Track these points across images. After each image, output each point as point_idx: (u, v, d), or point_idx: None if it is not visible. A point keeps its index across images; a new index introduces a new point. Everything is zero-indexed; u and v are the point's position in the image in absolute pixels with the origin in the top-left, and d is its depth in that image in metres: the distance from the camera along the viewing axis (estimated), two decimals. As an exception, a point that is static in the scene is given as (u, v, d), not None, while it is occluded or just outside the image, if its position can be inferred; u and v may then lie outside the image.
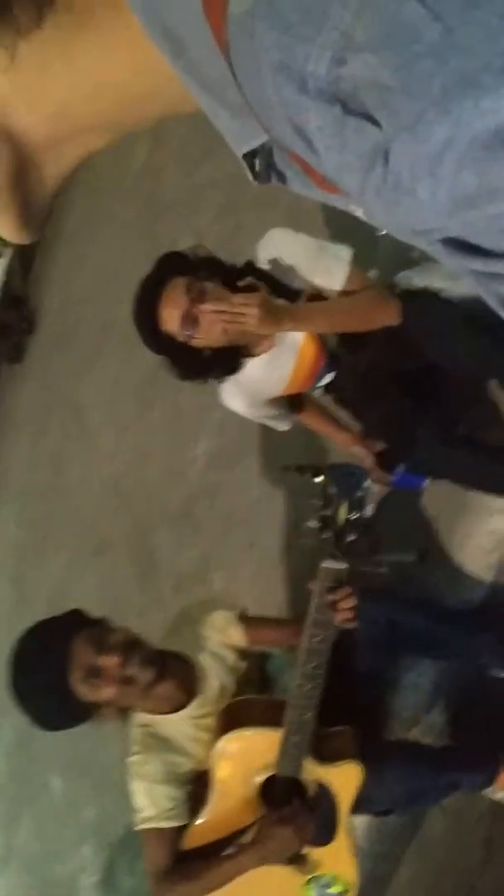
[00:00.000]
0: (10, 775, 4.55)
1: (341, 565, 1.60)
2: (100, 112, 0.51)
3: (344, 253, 1.92)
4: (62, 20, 0.46)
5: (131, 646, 1.75)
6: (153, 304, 1.80)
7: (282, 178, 0.53)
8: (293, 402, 2.19)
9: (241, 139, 0.50)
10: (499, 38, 0.34)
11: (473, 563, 2.15)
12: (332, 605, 1.61)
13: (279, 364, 2.02)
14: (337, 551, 1.60)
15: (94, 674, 1.69)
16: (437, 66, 0.35)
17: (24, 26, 0.46)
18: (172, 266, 1.85)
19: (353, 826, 1.86)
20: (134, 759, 1.81)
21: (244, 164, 0.52)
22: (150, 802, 1.77)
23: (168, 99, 0.51)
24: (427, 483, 2.21)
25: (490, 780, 1.94)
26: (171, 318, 1.79)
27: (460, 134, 0.35)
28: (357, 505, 1.58)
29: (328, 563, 1.60)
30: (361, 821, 2.14)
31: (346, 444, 2.23)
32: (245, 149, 0.51)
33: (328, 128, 0.39)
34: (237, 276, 1.88)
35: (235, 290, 1.84)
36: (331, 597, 1.60)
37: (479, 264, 0.41)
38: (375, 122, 0.37)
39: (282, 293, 1.93)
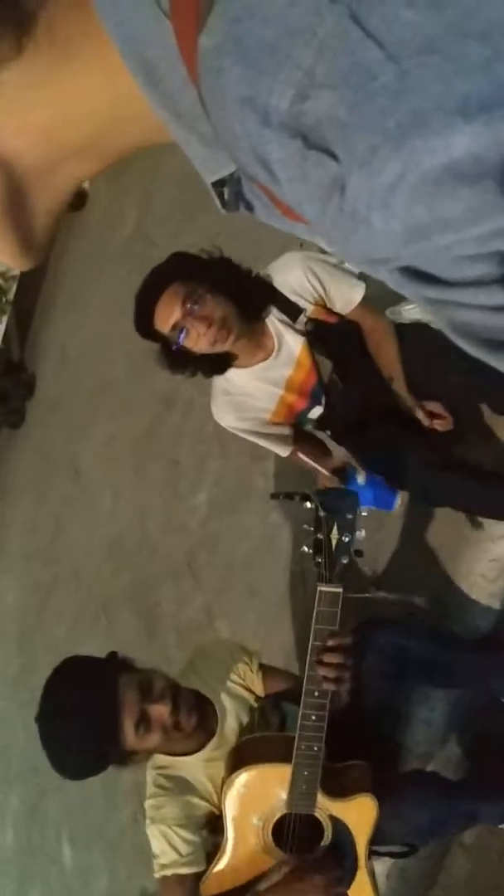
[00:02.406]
0: (19, 848, 4.41)
1: (336, 588, 1.60)
2: (85, 136, 0.53)
3: (355, 269, 1.99)
4: (43, 49, 0.48)
5: (177, 692, 1.72)
6: (151, 301, 1.84)
7: (249, 207, 0.55)
8: (297, 432, 2.20)
9: (211, 168, 0.53)
10: (450, 81, 0.36)
11: (478, 592, 2.13)
12: (318, 658, 1.60)
13: (272, 377, 2.05)
14: (331, 574, 1.60)
15: (145, 722, 1.65)
16: (391, 105, 0.37)
17: (4, 55, 0.47)
18: (178, 270, 1.87)
19: (371, 863, 1.81)
20: (151, 802, 1.77)
21: (213, 193, 0.54)
22: (169, 847, 1.72)
23: (149, 126, 0.52)
24: (397, 503, 2.22)
25: (510, 813, 1.89)
26: (163, 322, 1.84)
27: (411, 169, 0.37)
28: (348, 528, 1.60)
29: (324, 587, 1.60)
30: (382, 868, 2.08)
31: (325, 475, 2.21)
32: (214, 177, 0.53)
33: (290, 160, 0.41)
34: (246, 290, 1.91)
35: (243, 302, 1.89)
36: (325, 647, 1.59)
37: (431, 292, 0.43)
38: (334, 156, 0.39)
39: (289, 312, 1.98)
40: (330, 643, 1.60)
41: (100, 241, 5.00)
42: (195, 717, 1.73)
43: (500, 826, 1.93)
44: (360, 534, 1.61)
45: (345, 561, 1.60)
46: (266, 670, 1.95)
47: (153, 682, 1.70)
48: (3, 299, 6.74)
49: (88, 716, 1.62)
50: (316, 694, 1.63)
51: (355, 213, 0.40)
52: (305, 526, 1.63)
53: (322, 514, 1.60)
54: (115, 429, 4.73)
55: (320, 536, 1.60)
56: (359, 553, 1.61)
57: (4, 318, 6.55)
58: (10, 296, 6.66)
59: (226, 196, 0.54)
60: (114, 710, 1.62)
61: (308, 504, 1.62)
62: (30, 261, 0.60)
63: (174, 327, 1.83)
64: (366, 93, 0.37)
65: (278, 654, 2.73)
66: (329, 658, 1.59)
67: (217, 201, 0.55)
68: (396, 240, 0.40)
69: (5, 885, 4.43)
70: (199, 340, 1.85)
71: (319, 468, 2.12)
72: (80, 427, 5.23)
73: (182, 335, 1.84)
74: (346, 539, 1.60)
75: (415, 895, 2.22)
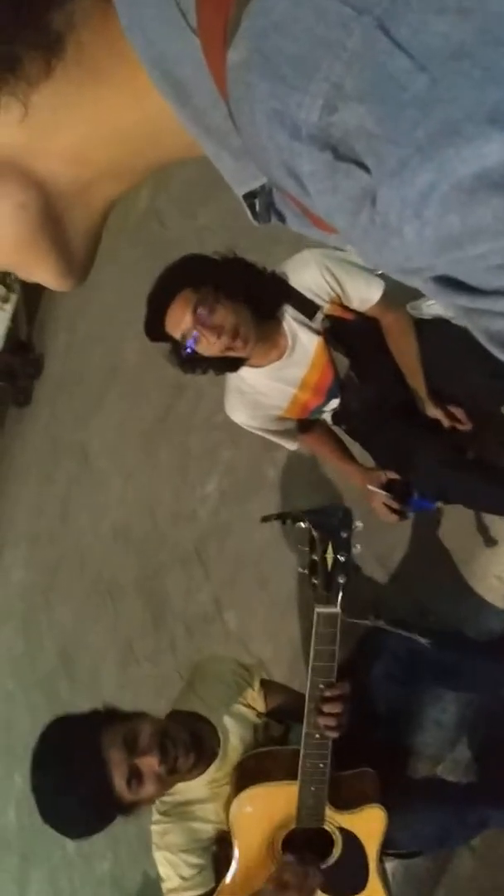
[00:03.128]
0: (22, 829, 4.45)
1: (334, 609, 1.57)
2: (116, 158, 0.53)
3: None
4: (71, 71, 0.48)
5: (164, 737, 1.68)
6: (162, 306, 1.81)
7: (281, 217, 0.55)
8: (301, 424, 2.18)
9: (242, 180, 0.53)
10: (481, 89, 0.35)
11: (493, 595, 2.11)
12: (317, 707, 1.59)
13: (286, 376, 2.02)
14: (328, 595, 1.57)
15: (136, 776, 1.62)
16: (421, 115, 0.36)
17: (34, 77, 0.47)
18: (190, 274, 1.83)
19: (383, 868, 1.80)
20: (156, 828, 1.77)
21: (244, 205, 0.54)
22: (174, 872, 1.73)
23: (179, 142, 0.52)
24: (438, 503, 2.19)
25: (520, 818, 1.88)
26: (173, 328, 1.82)
27: (443, 179, 0.36)
28: (343, 546, 1.56)
29: (321, 608, 1.58)
30: (387, 866, 2.08)
31: (351, 477, 2.21)
32: (245, 189, 0.53)
33: (319, 172, 0.41)
34: (260, 291, 1.88)
35: (256, 304, 1.86)
36: (323, 696, 1.58)
37: (466, 301, 0.43)
38: (364, 167, 0.39)
39: (305, 310, 1.94)
40: (328, 694, 1.58)
41: (112, 221, 4.89)
42: (192, 754, 1.70)
43: (509, 831, 1.93)
44: (356, 549, 1.58)
45: (342, 580, 1.56)
46: (267, 686, 1.93)
47: (138, 733, 1.66)
48: (12, 277, 6.69)
49: (79, 786, 1.60)
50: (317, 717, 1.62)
51: (387, 224, 0.39)
52: (300, 546, 1.60)
53: (316, 533, 1.56)
54: (124, 412, 4.70)
55: (315, 557, 1.57)
56: (357, 570, 1.58)
57: (13, 297, 6.51)
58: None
59: (257, 208, 0.54)
60: (102, 773, 1.59)
61: (301, 524, 1.59)
62: (73, 282, 0.60)
63: (185, 335, 1.80)
64: (395, 103, 0.37)
65: (286, 649, 2.72)
66: (329, 709, 1.58)
67: (249, 213, 0.55)
68: (430, 250, 0.40)
69: (8, 863, 4.48)
70: (210, 348, 1.82)
71: (376, 490, 2.09)
72: (89, 409, 5.20)
73: (192, 342, 1.81)
74: (342, 558, 1.56)
75: (420, 893, 2.22)
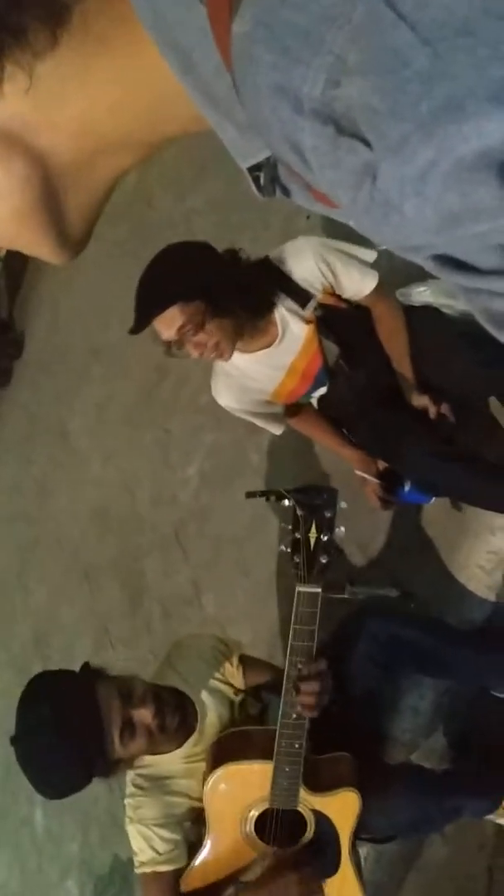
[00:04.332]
0: (-10, 809, 4.42)
1: (315, 588, 1.57)
2: (121, 129, 0.52)
3: (369, 256, 1.94)
4: (77, 41, 0.47)
5: (158, 693, 1.70)
6: (149, 315, 1.81)
7: (286, 191, 0.55)
8: (290, 408, 2.17)
9: (246, 153, 0.52)
10: (485, 66, 0.35)
11: (476, 584, 2.11)
12: (294, 685, 1.58)
13: (275, 362, 2.01)
14: (310, 574, 1.57)
15: (129, 728, 1.62)
16: (423, 91, 0.36)
17: (40, 48, 0.46)
18: (180, 289, 1.81)
19: (356, 854, 1.80)
20: (130, 801, 1.76)
21: (249, 178, 0.54)
22: (147, 846, 1.71)
23: (186, 115, 0.51)
24: (433, 500, 2.18)
25: (495, 806, 1.89)
26: (160, 331, 1.84)
27: (444, 156, 0.36)
28: (326, 526, 1.57)
29: (302, 587, 1.58)
30: (360, 850, 2.08)
31: (350, 461, 2.21)
32: (249, 162, 0.52)
33: (322, 146, 0.41)
34: (251, 290, 1.87)
35: (249, 308, 1.87)
36: (302, 668, 1.58)
37: (465, 280, 0.43)
38: (366, 143, 0.38)
39: (298, 299, 1.94)
40: (305, 672, 1.58)
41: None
42: (178, 715, 1.71)
43: (485, 818, 1.93)
44: (340, 531, 1.58)
45: (324, 560, 1.57)
46: (246, 662, 1.93)
47: (133, 686, 1.68)
48: (-5, 255, 6.59)
49: (72, 729, 1.57)
50: (294, 695, 1.61)
51: (387, 200, 0.39)
52: (283, 524, 1.59)
53: (300, 512, 1.56)
54: (106, 393, 4.65)
55: (298, 536, 1.56)
56: (339, 551, 1.58)
57: (-5, 275, 6.42)
58: (2, 252, 6.51)
59: (262, 181, 0.53)
60: (98, 719, 1.58)
61: (285, 502, 1.59)
62: (69, 256, 0.60)
63: (170, 344, 1.84)
64: (398, 78, 0.36)
65: (265, 633, 2.71)
66: (306, 687, 1.57)
67: (253, 186, 0.54)
68: (429, 228, 0.40)
69: (-26, 844, 4.44)
70: (190, 355, 1.87)
71: (369, 477, 2.09)
72: (70, 389, 5.14)
73: (175, 347, 1.85)
74: (325, 537, 1.56)
75: (392, 878, 2.23)
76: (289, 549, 1.57)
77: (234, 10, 0.42)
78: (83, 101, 0.50)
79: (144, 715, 1.64)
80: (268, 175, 0.53)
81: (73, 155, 0.52)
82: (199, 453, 3.53)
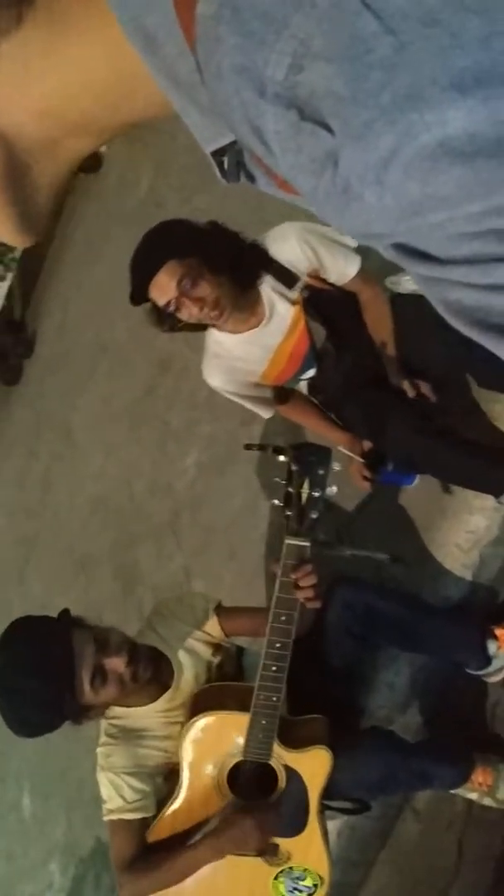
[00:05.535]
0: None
1: (304, 542, 1.63)
2: (85, 110, 0.52)
3: (353, 241, 2.00)
4: (42, 19, 0.47)
5: (133, 646, 1.75)
6: (147, 275, 1.86)
7: (250, 177, 0.54)
8: (278, 393, 2.22)
9: (209, 137, 0.51)
10: (447, 55, 0.35)
11: (452, 562, 2.16)
12: (294, 584, 1.62)
13: (263, 342, 2.06)
14: (299, 528, 1.62)
15: (101, 674, 1.66)
16: (386, 79, 0.36)
17: (3, 27, 0.46)
18: (174, 245, 1.87)
19: (324, 818, 1.83)
20: (102, 750, 1.80)
21: (213, 162, 0.53)
22: (116, 793, 1.75)
23: (152, 99, 0.51)
24: (417, 480, 2.23)
25: (463, 779, 1.91)
26: (157, 296, 1.87)
27: (406, 144, 0.36)
28: (319, 482, 1.61)
29: (291, 540, 1.63)
30: (332, 826, 2.10)
31: (337, 442, 2.26)
32: (213, 147, 0.52)
33: (284, 131, 0.40)
34: (241, 260, 1.93)
35: (236, 273, 1.91)
36: (293, 574, 1.61)
37: (424, 269, 0.43)
38: (329, 129, 0.38)
39: (284, 280, 1.99)
40: (297, 573, 1.61)
41: (112, 203, 5.00)
42: (151, 668, 1.75)
43: (452, 792, 1.96)
44: (332, 489, 1.63)
45: (314, 515, 1.61)
46: (226, 612, 1.96)
47: (109, 636, 1.72)
48: (9, 256, 6.72)
49: (44, 668, 1.62)
50: (278, 645, 1.64)
51: (348, 187, 0.39)
52: (277, 479, 1.65)
53: (294, 468, 1.61)
54: (111, 389, 4.73)
55: (291, 490, 1.62)
56: (329, 508, 1.63)
57: (9, 276, 6.54)
58: (17, 253, 6.64)
59: (225, 165, 0.53)
60: (70, 662, 1.62)
61: (281, 457, 1.64)
62: (30, 238, 0.59)
63: (167, 304, 1.87)
64: (361, 65, 0.36)
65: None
66: (304, 581, 1.61)
67: (217, 171, 0.54)
68: (390, 216, 0.40)
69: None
70: (190, 317, 1.90)
71: (354, 456, 2.14)
72: (77, 386, 5.23)
73: (173, 308, 1.88)
74: (317, 494, 1.61)
75: (364, 855, 2.25)
76: (281, 503, 1.62)
77: None
78: (47, 80, 0.49)
79: (117, 664, 1.68)
80: (232, 160, 0.52)
81: (36, 135, 0.52)
82: (195, 445, 3.59)
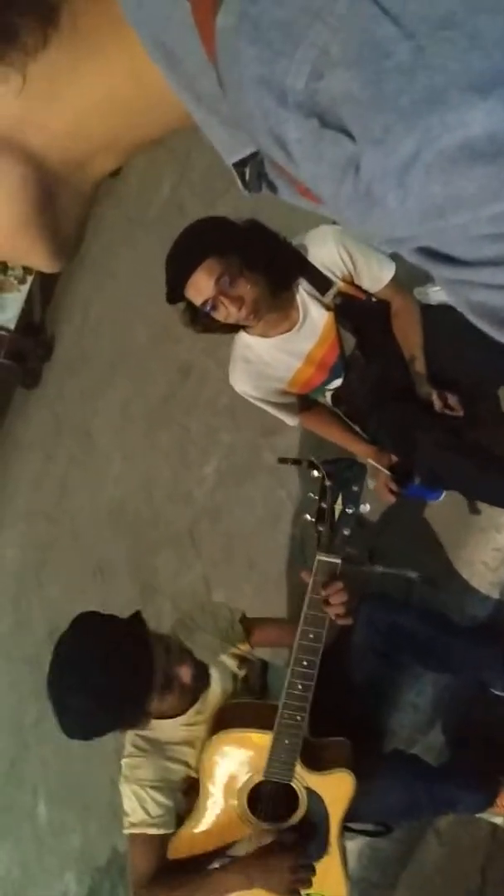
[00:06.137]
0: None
1: (335, 559, 1.59)
2: (112, 128, 0.52)
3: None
4: (66, 40, 0.47)
5: (190, 653, 1.74)
6: (185, 272, 1.82)
7: (272, 187, 0.54)
8: (302, 402, 2.19)
9: (231, 149, 0.52)
10: (467, 57, 0.35)
11: (479, 580, 2.11)
12: (325, 601, 1.59)
13: (293, 349, 2.03)
14: (331, 544, 1.59)
15: (168, 682, 1.65)
16: (406, 83, 0.36)
17: (31, 48, 0.46)
18: (214, 242, 1.84)
19: (343, 841, 1.79)
20: (128, 761, 1.77)
21: (234, 173, 0.53)
22: (140, 807, 1.72)
23: (172, 113, 0.52)
24: (443, 495, 2.19)
25: (488, 802, 1.87)
26: (194, 294, 1.84)
27: (426, 147, 0.36)
28: (352, 499, 1.58)
29: (322, 556, 1.59)
30: (353, 847, 2.07)
31: (362, 455, 2.23)
32: (235, 158, 0.52)
33: (305, 139, 0.41)
34: (278, 261, 1.90)
35: (274, 277, 1.89)
36: (324, 592, 1.58)
37: (447, 271, 0.43)
38: (349, 135, 0.39)
39: (318, 285, 1.96)
40: (327, 591, 1.58)
41: (133, 207, 4.99)
42: (203, 680, 1.76)
43: (477, 815, 1.92)
44: (365, 507, 1.60)
45: (346, 532, 1.58)
46: (251, 623, 1.94)
47: (171, 644, 1.71)
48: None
49: (124, 667, 1.59)
50: (305, 663, 1.61)
51: (370, 192, 0.39)
52: (311, 494, 1.61)
53: (328, 483, 1.58)
54: (130, 394, 4.72)
55: (324, 506, 1.59)
56: (361, 525, 1.59)
57: (29, 279, 6.54)
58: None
59: (247, 176, 0.53)
60: (150, 665, 1.60)
61: (315, 472, 1.61)
62: (61, 263, 0.58)
63: (205, 303, 1.83)
64: (380, 70, 0.36)
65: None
66: (335, 599, 1.58)
67: (239, 182, 0.54)
68: (413, 219, 0.40)
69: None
70: (227, 317, 1.87)
71: (381, 468, 2.11)
72: (96, 390, 5.22)
73: (211, 308, 1.84)
74: (350, 511, 1.58)
75: (384, 877, 2.21)
76: (313, 519, 1.59)
77: (218, 3, 0.42)
78: (75, 100, 0.49)
79: (185, 672, 1.67)
80: (254, 171, 0.52)
81: (64, 156, 0.52)
82: (215, 453, 3.56)
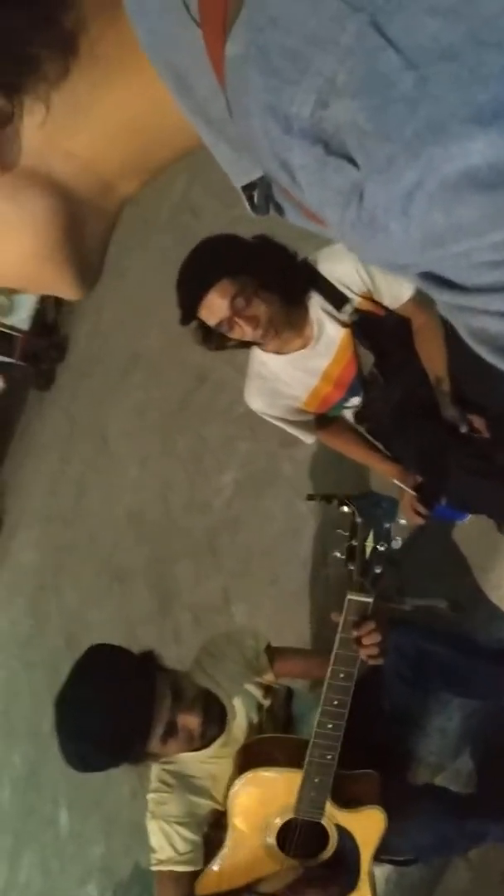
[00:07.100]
0: (17, 808, 4.45)
1: (367, 598, 1.55)
2: (132, 153, 0.53)
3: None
4: (85, 67, 0.47)
5: (205, 700, 1.71)
6: (198, 293, 1.79)
7: (279, 209, 0.55)
8: (318, 418, 2.15)
9: (240, 172, 0.53)
10: (467, 88, 0.36)
11: (507, 603, 2.07)
12: (357, 641, 1.55)
13: (309, 366, 1.99)
14: (363, 583, 1.55)
15: (172, 728, 1.64)
16: (409, 113, 0.37)
17: (53, 78, 0.46)
18: (227, 262, 1.80)
19: (374, 877, 1.77)
20: (154, 797, 1.75)
21: (243, 196, 0.54)
22: (167, 844, 1.70)
23: (187, 136, 0.52)
24: (469, 516, 2.15)
25: (518, 832, 1.84)
26: (209, 315, 1.81)
27: (429, 177, 0.37)
28: (384, 536, 1.55)
29: (353, 596, 1.55)
30: (380, 872, 2.04)
31: (387, 474, 2.19)
32: (243, 181, 0.53)
33: (310, 166, 0.41)
34: (291, 277, 1.86)
35: (287, 294, 1.85)
36: (355, 632, 1.55)
37: (449, 297, 0.44)
38: (354, 163, 0.39)
39: (334, 301, 1.92)
40: (360, 631, 1.55)
41: (146, 209, 4.93)
42: (218, 726, 1.73)
43: (508, 845, 1.89)
44: (396, 543, 1.56)
45: (378, 570, 1.54)
46: (276, 653, 1.92)
47: (184, 688, 1.69)
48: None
49: (122, 710, 1.59)
50: (335, 702, 1.58)
51: (374, 219, 0.40)
52: (340, 531, 1.57)
53: (359, 520, 1.55)
54: (145, 399, 4.69)
55: (354, 543, 1.55)
56: (394, 563, 1.56)
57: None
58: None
59: (255, 199, 0.54)
60: (150, 710, 1.59)
61: (345, 508, 1.57)
62: (86, 290, 0.59)
63: (220, 324, 1.80)
64: (384, 100, 0.37)
65: (293, 645, 2.69)
66: (367, 640, 1.55)
67: (247, 204, 0.55)
68: (415, 246, 0.40)
69: (1, 842, 4.49)
70: (243, 336, 1.84)
71: (407, 489, 2.07)
72: (110, 394, 5.19)
73: (226, 329, 1.81)
74: (382, 548, 1.55)
75: (412, 903, 2.18)
76: (343, 556, 1.55)
77: (228, 29, 0.42)
78: (96, 127, 0.50)
79: (191, 721, 1.65)
80: (262, 193, 0.53)
81: (89, 183, 0.52)
82: (233, 462, 3.53)
